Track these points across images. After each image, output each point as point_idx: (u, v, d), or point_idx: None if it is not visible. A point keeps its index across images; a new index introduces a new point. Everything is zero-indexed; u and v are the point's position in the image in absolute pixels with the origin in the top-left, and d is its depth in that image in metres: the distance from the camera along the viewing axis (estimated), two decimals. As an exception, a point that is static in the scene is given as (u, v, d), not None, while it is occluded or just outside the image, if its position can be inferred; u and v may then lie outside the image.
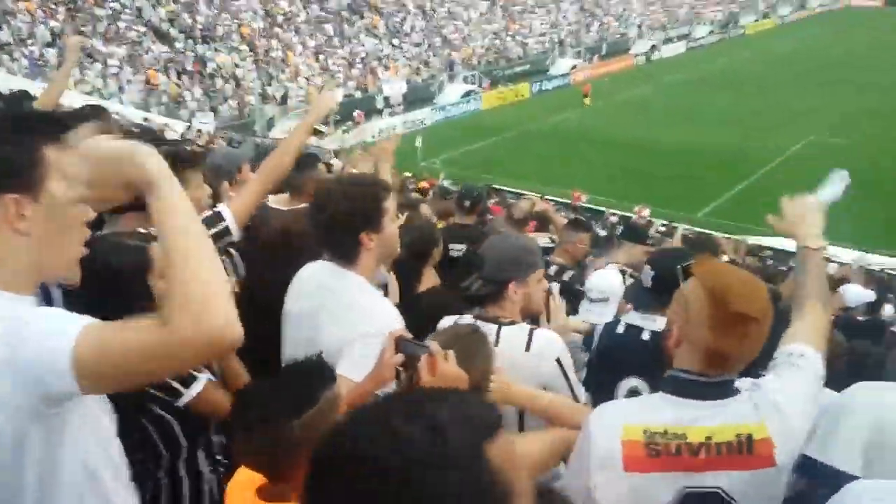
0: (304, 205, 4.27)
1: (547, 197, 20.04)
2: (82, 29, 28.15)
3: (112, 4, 30.89)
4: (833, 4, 75.92)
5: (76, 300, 2.40)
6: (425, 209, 7.75)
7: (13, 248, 1.40)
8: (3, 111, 1.46)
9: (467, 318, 2.71)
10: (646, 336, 2.91)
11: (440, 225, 6.18)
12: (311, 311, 2.48)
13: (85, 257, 1.57)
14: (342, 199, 2.41)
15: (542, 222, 6.92)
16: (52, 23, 27.98)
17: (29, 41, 26.93)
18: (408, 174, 20.74)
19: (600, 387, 2.94)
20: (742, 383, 1.87)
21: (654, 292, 2.92)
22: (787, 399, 1.83)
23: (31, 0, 28.68)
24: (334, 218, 2.41)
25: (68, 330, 1.30)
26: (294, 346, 2.52)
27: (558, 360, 2.60)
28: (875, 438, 1.75)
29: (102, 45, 28.41)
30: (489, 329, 2.60)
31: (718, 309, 1.75)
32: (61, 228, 1.46)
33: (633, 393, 2.85)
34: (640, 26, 53.53)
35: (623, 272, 4.43)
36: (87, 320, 1.33)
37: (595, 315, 4.02)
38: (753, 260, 12.77)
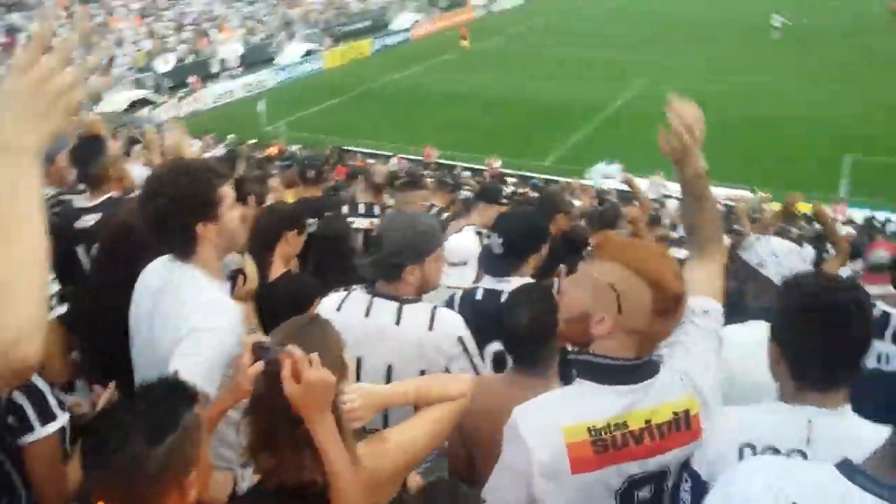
0: (111, 195, 3.99)
1: (400, 155, 20.06)
2: None
3: None
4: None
5: None
6: (274, 182, 7.47)
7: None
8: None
9: (358, 292, 2.64)
10: (503, 298, 2.92)
11: (290, 198, 5.97)
12: (147, 312, 2.31)
13: None
14: (171, 188, 2.21)
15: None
16: None
17: None
18: (252, 141, 20.05)
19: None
20: (655, 356, 1.84)
21: (504, 258, 2.93)
22: (696, 368, 1.83)
23: None
24: (165, 208, 2.21)
25: None
26: (137, 353, 2.38)
27: (460, 339, 2.58)
28: (726, 374, 1.87)
29: None
30: (388, 307, 2.56)
31: (659, 295, 1.70)
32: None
33: (499, 356, 2.86)
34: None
35: (479, 233, 4.44)
36: None
37: (454, 279, 4.02)
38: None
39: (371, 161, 16.73)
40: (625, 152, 21.70)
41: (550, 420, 1.74)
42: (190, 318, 2.12)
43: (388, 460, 1.82)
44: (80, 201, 4.01)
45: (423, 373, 2.48)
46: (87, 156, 4.00)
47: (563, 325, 1.83)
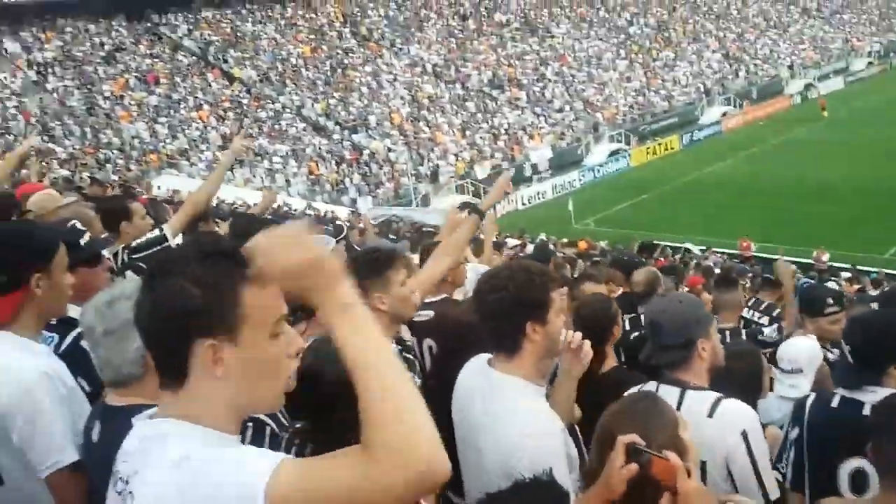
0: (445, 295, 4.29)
1: (714, 249, 19.30)
2: (250, 131, 30.67)
3: (274, 106, 33.51)
4: None
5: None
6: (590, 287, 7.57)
7: (213, 391, 1.32)
8: (194, 245, 1.44)
9: (650, 386, 2.59)
10: (866, 410, 2.63)
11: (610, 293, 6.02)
12: (471, 416, 2.39)
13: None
14: (508, 285, 2.30)
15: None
16: (223, 128, 30.68)
17: (203, 146, 29.63)
18: (564, 240, 20.66)
19: (816, 469, 2.70)
20: None
21: (862, 369, 2.65)
22: None
23: (204, 109, 31.67)
24: (499, 304, 2.29)
25: (262, 465, 1.21)
26: (463, 455, 2.44)
27: (744, 434, 2.39)
28: None
29: (268, 143, 30.73)
30: (671, 392, 2.48)
31: None
32: (264, 368, 1.36)
33: (858, 475, 2.58)
34: (790, 66, 51.21)
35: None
36: (281, 456, 1.25)
37: (786, 388, 3.73)
38: None
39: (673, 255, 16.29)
40: None
41: None
42: (521, 425, 2.18)
43: None
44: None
45: (703, 464, 2.28)
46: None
47: None
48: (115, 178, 22.39)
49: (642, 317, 4.99)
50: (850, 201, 24.74)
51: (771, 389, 3.84)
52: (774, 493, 2.42)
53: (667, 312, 2.62)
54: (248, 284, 1.30)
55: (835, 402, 2.80)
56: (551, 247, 16.08)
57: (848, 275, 16.44)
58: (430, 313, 4.10)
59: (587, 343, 2.47)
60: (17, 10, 31.95)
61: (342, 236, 5.88)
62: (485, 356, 2.47)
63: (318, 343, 2.43)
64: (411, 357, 3.17)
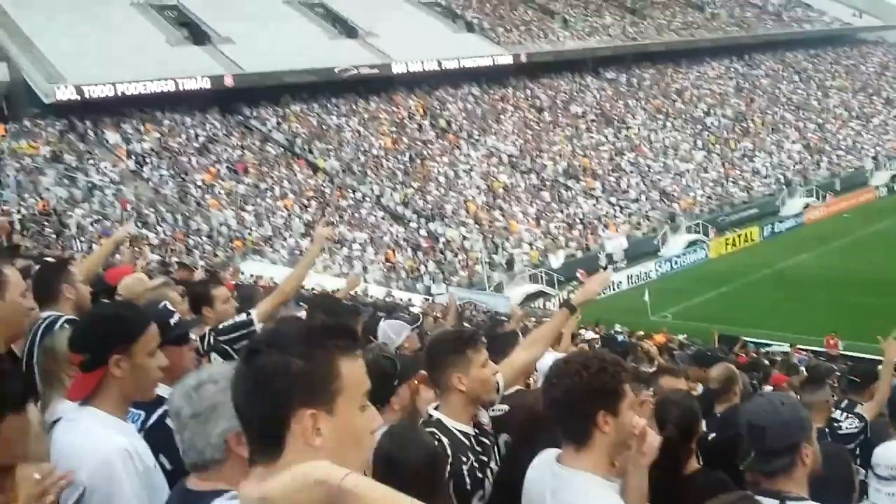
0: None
1: (799, 346, 18.63)
2: (332, 219, 31.66)
3: (354, 195, 34.62)
4: None
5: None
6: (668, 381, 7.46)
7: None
8: (294, 323, 1.56)
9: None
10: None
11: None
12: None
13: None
14: (581, 371, 2.26)
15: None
16: (306, 216, 31.76)
17: (286, 233, 30.68)
18: (639, 332, 20.29)
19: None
20: None
21: None
22: None
23: (288, 198, 32.94)
24: (569, 393, 2.26)
25: None
26: None
27: None
28: None
29: (347, 230, 31.61)
30: None
31: None
32: (354, 440, 1.44)
33: None
34: (875, 157, 50.07)
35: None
36: None
37: (883, 497, 3.57)
38: None
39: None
40: None
41: None
42: None
43: None
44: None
45: None
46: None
47: None
48: (202, 263, 23.32)
49: (719, 416, 4.90)
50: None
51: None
52: None
53: (770, 415, 2.49)
54: (345, 357, 1.42)
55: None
56: (627, 338, 15.82)
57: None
58: (505, 407, 4.14)
59: (651, 432, 2.41)
60: (118, 103, 34.21)
61: (418, 324, 6.00)
62: (553, 451, 2.42)
63: (395, 428, 2.50)
64: (488, 442, 3.15)
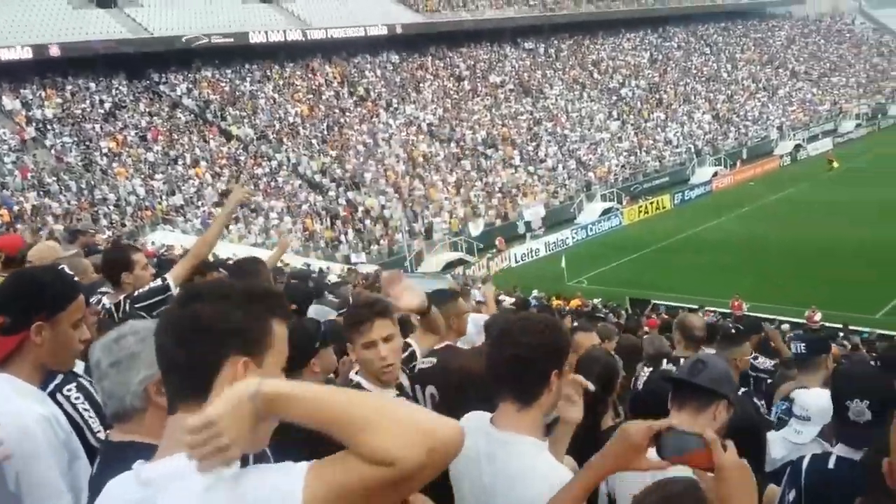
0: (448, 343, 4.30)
1: (707, 308, 19.33)
2: (246, 182, 30.92)
3: (270, 163, 33.85)
4: None
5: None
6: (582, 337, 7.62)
7: None
8: (233, 284, 1.52)
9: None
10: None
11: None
12: (479, 481, 2.30)
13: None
14: (545, 330, 2.24)
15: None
16: (219, 185, 30.89)
17: (198, 202, 29.80)
18: (554, 296, 20.67)
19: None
20: None
21: (873, 425, 2.64)
22: None
23: (200, 166, 31.95)
24: (534, 350, 2.21)
25: (294, 472, 1.32)
26: None
27: None
28: None
29: (263, 200, 30.93)
30: None
31: None
32: None
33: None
34: (780, 127, 52.20)
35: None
36: (308, 463, 1.34)
37: (792, 432, 3.73)
38: None
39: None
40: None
41: None
42: (536, 485, 2.10)
43: None
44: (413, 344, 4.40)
45: None
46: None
47: None
48: (109, 233, 22.44)
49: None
50: (840, 261, 24.93)
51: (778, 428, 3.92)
52: None
53: (716, 360, 2.66)
54: (277, 319, 1.48)
55: (831, 463, 2.79)
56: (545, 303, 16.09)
57: (842, 334, 16.43)
58: (433, 360, 4.11)
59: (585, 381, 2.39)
60: (17, 68, 32.39)
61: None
62: (482, 414, 2.37)
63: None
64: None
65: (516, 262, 31.07)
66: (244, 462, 1.35)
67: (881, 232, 27.56)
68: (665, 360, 5.23)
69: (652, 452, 1.83)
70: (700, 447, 1.69)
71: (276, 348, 1.48)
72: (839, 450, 2.80)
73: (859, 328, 17.89)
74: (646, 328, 10.99)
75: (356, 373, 3.02)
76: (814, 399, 3.75)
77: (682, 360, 4.96)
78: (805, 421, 3.66)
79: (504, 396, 2.30)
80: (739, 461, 1.69)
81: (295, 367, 2.91)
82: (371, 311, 2.94)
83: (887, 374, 3.27)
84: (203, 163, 32.35)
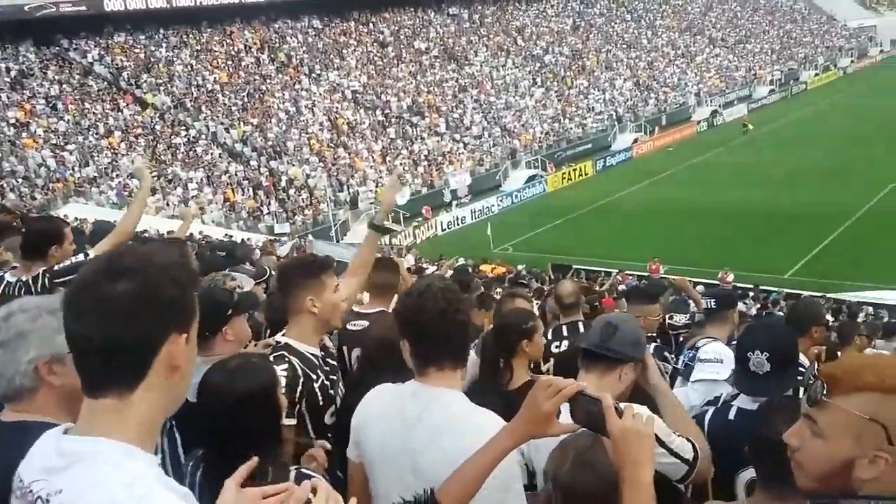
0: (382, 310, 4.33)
1: (627, 272, 19.87)
2: (162, 157, 29.97)
3: (188, 132, 32.84)
4: (894, 51, 74.63)
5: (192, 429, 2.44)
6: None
7: (161, 394, 1.37)
8: (151, 256, 1.42)
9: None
10: (765, 423, 2.75)
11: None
12: (396, 444, 2.27)
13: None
14: (442, 301, 2.22)
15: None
16: (135, 154, 29.83)
17: (113, 174, 28.73)
18: (481, 261, 20.85)
19: (718, 479, 2.80)
20: None
21: (773, 377, 2.77)
22: None
23: (114, 135, 30.76)
24: (451, 318, 2.22)
25: None
26: (386, 485, 2.31)
27: None
28: None
29: (182, 170, 30.05)
30: None
31: None
32: (193, 366, 1.46)
33: (752, 486, 2.69)
34: (697, 94, 53.56)
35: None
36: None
37: (708, 372, 3.91)
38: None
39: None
40: (874, 261, 20.03)
41: None
42: (470, 439, 2.06)
43: None
44: (357, 306, 4.40)
45: None
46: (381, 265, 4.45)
47: (814, 480, 1.59)
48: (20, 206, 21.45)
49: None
50: (752, 224, 25.91)
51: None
52: None
53: (627, 321, 2.70)
54: (195, 290, 1.44)
55: (732, 415, 2.92)
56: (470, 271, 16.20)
57: (752, 294, 17.13)
58: (365, 323, 4.14)
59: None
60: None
61: (264, 278, 5.81)
62: (395, 387, 2.36)
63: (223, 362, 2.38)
64: (334, 363, 3.16)
65: (442, 230, 31.19)
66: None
67: (791, 195, 28.75)
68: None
69: (565, 416, 1.87)
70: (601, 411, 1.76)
71: (197, 318, 1.43)
72: (740, 401, 2.93)
73: (769, 288, 18.70)
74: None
75: (282, 334, 3.03)
76: (719, 347, 4.04)
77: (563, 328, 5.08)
78: (718, 363, 3.89)
79: (429, 366, 2.27)
80: (636, 426, 1.74)
81: (206, 334, 2.93)
82: (328, 260, 3.13)
83: (790, 329, 3.44)
84: (117, 132, 31.13)
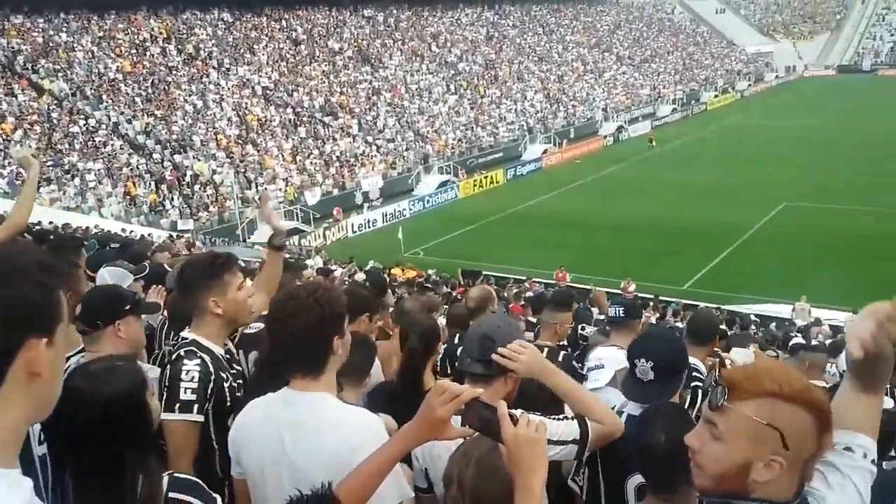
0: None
1: (533, 279, 20.20)
2: (59, 147, 28.57)
3: (88, 121, 31.42)
4: (788, 77, 79.07)
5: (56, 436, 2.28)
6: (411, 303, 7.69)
7: (21, 400, 1.22)
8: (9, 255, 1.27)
9: None
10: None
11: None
12: (275, 451, 2.24)
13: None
14: (315, 303, 2.20)
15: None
16: (29, 142, 28.32)
17: (5, 161, 27.18)
18: (392, 265, 20.78)
19: (609, 485, 2.84)
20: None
21: (657, 385, 2.85)
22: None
23: (7, 121, 29.12)
24: (311, 326, 2.19)
25: None
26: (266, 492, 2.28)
27: None
28: None
29: (79, 160, 28.71)
30: None
31: (817, 413, 1.55)
32: (61, 369, 1.33)
33: (642, 490, 2.75)
34: (605, 109, 55.17)
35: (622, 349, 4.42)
36: None
37: (591, 381, 4.00)
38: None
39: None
40: (764, 276, 21.06)
41: None
42: (344, 440, 2.11)
43: None
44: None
45: None
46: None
47: (712, 481, 1.62)
48: None
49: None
50: (653, 237, 26.83)
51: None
52: None
53: (502, 329, 2.70)
54: (61, 288, 1.31)
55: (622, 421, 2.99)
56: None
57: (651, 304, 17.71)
58: (261, 325, 4.04)
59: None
60: None
61: (143, 274, 5.49)
62: (265, 398, 2.33)
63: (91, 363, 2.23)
64: (239, 368, 3.09)
65: (353, 232, 30.96)
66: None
67: (690, 211, 29.94)
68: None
69: (458, 420, 1.88)
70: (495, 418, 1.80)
71: (63, 320, 1.30)
72: (629, 408, 3.00)
73: (668, 298, 19.38)
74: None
75: (188, 331, 2.94)
76: (605, 350, 4.15)
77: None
78: (599, 369, 4.02)
79: (294, 374, 2.27)
80: (528, 434, 1.77)
81: (98, 323, 2.78)
82: (230, 258, 3.00)
83: (677, 339, 3.54)
84: (10, 118, 29.47)
